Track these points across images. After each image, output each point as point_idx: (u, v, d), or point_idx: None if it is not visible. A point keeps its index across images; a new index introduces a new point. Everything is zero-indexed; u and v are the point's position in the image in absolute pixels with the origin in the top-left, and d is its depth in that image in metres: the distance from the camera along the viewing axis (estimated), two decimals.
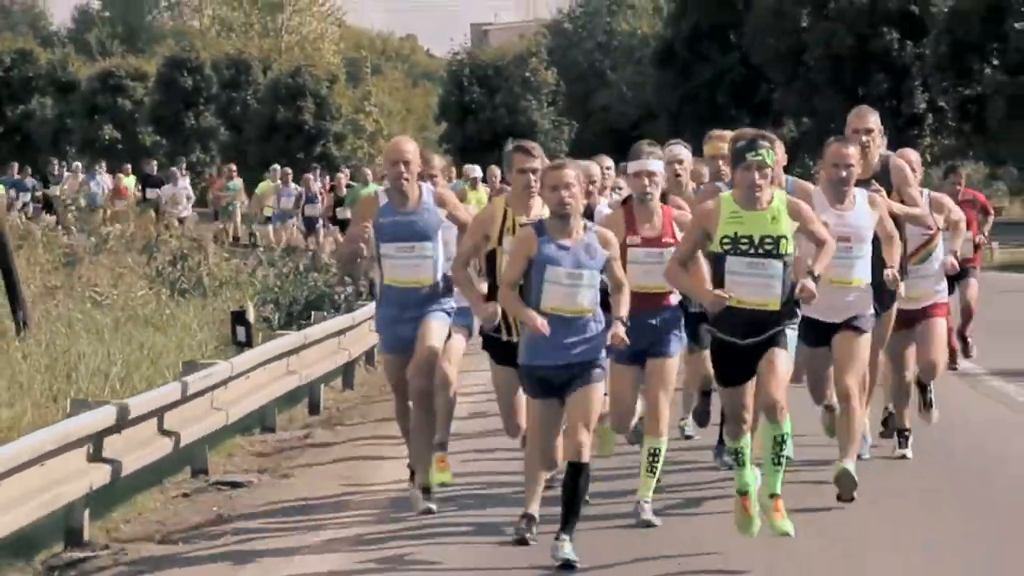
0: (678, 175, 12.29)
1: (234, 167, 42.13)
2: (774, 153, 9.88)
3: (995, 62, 47.00)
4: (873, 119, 12.04)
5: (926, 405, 12.99)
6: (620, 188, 12.80)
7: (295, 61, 64.98)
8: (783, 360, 9.76)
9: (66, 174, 44.64)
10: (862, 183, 11.47)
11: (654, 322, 10.74)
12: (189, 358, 16.21)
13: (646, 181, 10.80)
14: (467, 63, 63.93)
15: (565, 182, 9.79)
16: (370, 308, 18.36)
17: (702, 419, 12.77)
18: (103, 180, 41.71)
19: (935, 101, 51.23)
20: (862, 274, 11.14)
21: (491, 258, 10.65)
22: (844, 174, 11.13)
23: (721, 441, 11.81)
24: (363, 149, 63.02)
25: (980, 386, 17.12)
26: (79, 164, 47.00)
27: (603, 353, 9.90)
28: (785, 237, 9.68)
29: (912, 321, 12.63)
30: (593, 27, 66.62)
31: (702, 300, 9.94)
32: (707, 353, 10.97)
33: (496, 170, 24.41)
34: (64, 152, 62.38)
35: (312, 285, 24.76)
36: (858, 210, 11.17)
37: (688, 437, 13.58)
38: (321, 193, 36.23)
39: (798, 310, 9.84)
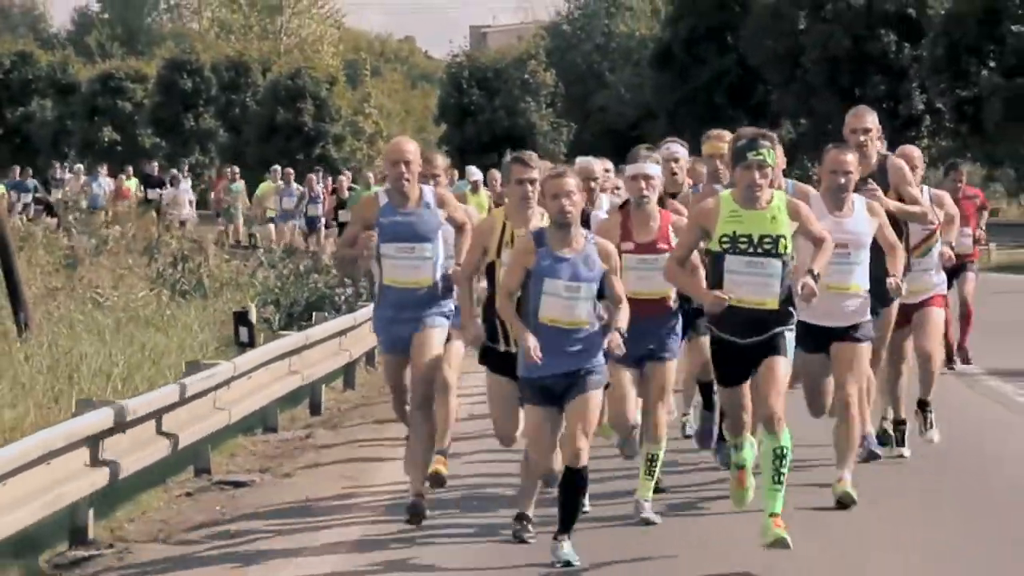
0: (674, 173, 12.35)
1: (237, 169, 42.17)
2: (774, 153, 9.89)
3: (992, 64, 47.06)
4: (871, 119, 12.07)
5: (927, 425, 12.89)
6: (619, 189, 12.84)
7: (294, 63, 64.96)
8: (782, 369, 9.76)
9: (68, 175, 44.73)
10: (859, 181, 11.48)
11: (652, 327, 10.73)
12: (190, 359, 16.28)
13: (643, 184, 10.79)
14: (466, 65, 63.97)
15: (566, 190, 9.76)
16: (371, 309, 18.40)
17: (703, 439, 12.64)
18: (104, 182, 41.78)
19: (932, 103, 51.29)
20: (860, 280, 11.11)
21: (490, 271, 10.64)
22: (843, 181, 11.10)
23: (722, 438, 11.87)
24: (362, 151, 63.05)
25: (977, 386, 17.17)
26: (80, 167, 47.07)
27: (601, 359, 9.90)
28: (784, 236, 9.69)
29: (911, 315, 12.64)
30: (591, 29, 66.65)
31: (702, 301, 9.97)
32: (705, 340, 11.05)
33: (497, 174, 24.47)
34: (64, 154, 62.48)
35: (312, 286, 24.84)
36: (857, 217, 11.14)
37: (688, 436, 13.62)
38: (323, 194, 36.26)
39: (793, 310, 9.83)
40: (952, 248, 13.51)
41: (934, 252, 12.92)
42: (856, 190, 11.38)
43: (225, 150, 63.26)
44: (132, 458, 11.60)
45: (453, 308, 11.02)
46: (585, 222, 10.62)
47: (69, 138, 66.64)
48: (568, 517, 9.84)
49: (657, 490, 11.14)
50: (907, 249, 12.11)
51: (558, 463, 9.96)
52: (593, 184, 11.64)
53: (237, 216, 39.70)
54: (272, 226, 37.38)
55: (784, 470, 9.68)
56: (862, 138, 11.93)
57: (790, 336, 9.83)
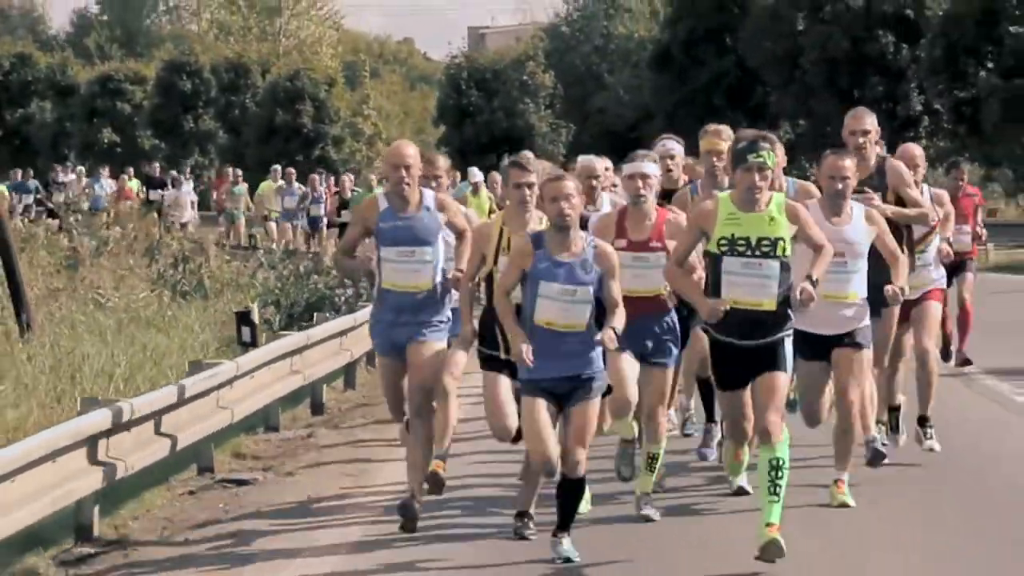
0: (669, 170, 12.39)
1: (240, 172, 42.20)
2: (774, 155, 9.90)
3: (990, 65, 47.14)
4: (870, 120, 12.05)
5: (926, 436, 12.89)
6: (615, 186, 12.85)
7: (293, 65, 65.04)
8: (781, 385, 9.77)
9: (70, 176, 44.76)
10: (860, 184, 11.48)
11: (648, 325, 10.76)
12: (191, 359, 16.36)
13: (639, 183, 10.80)
14: (465, 66, 64.03)
15: (565, 193, 9.76)
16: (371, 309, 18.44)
17: (704, 453, 12.64)
18: (106, 183, 41.83)
19: (931, 104, 51.36)
20: (857, 289, 11.03)
21: (488, 280, 10.64)
22: (840, 186, 11.02)
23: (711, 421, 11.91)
24: (361, 152, 63.14)
25: (975, 385, 17.24)
26: (83, 169, 47.12)
27: (601, 364, 9.91)
28: (782, 239, 9.69)
29: (910, 311, 12.62)
30: (590, 31, 66.72)
31: (699, 308, 9.99)
32: (701, 331, 11.10)
33: (498, 176, 24.55)
34: (63, 156, 62.57)
35: (312, 287, 24.92)
36: (855, 225, 11.06)
37: (688, 435, 13.67)
38: (326, 195, 36.30)
39: (791, 312, 9.82)
40: (950, 244, 13.54)
41: (932, 248, 12.92)
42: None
43: (224, 151, 63.33)
44: (136, 456, 11.70)
45: (451, 314, 10.92)
46: (583, 224, 10.58)
47: (68, 140, 66.76)
48: (566, 517, 9.93)
49: (656, 489, 11.20)
50: (911, 249, 12.07)
51: (556, 453, 9.91)
52: (595, 183, 11.66)
53: (239, 218, 39.74)
54: (274, 225, 37.48)
55: (781, 482, 9.66)
56: (861, 140, 11.91)
57: (789, 344, 9.82)
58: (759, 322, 9.72)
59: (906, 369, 13.11)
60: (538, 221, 10.50)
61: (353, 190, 34.00)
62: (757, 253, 9.66)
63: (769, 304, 9.69)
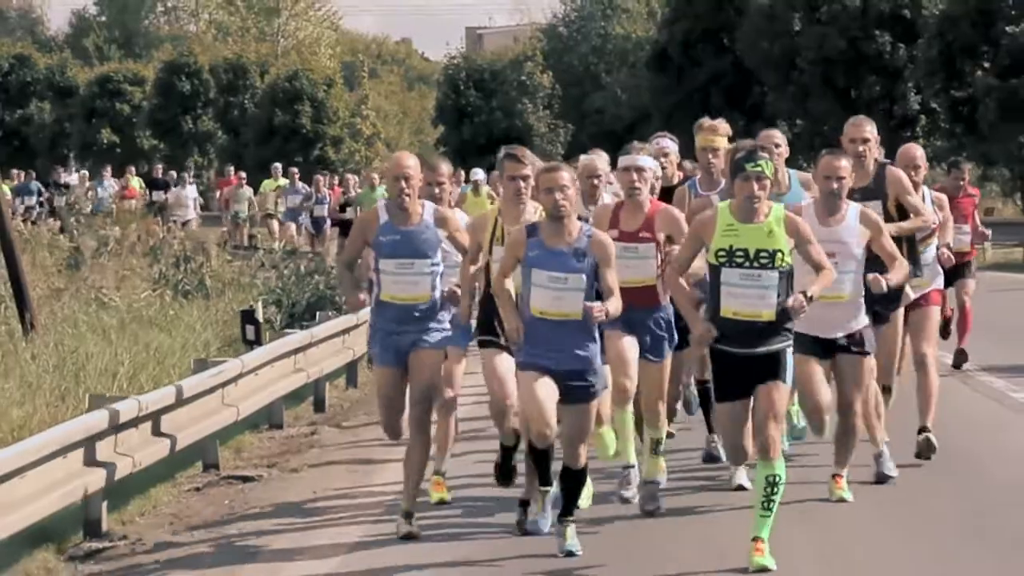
0: (664, 167, 12.48)
1: (244, 174, 42.26)
2: (772, 164, 9.82)
3: (986, 65, 47.24)
4: (870, 128, 12.00)
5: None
6: (610, 184, 12.91)
7: (292, 65, 65.09)
8: (781, 396, 9.76)
9: (73, 176, 44.77)
10: (858, 191, 11.47)
11: (642, 318, 10.82)
12: (194, 358, 16.45)
13: (634, 176, 10.85)
14: (463, 67, 64.10)
15: (560, 184, 9.79)
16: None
17: (708, 458, 12.64)
18: (109, 184, 41.86)
19: (928, 103, 51.46)
20: (851, 289, 10.97)
21: (486, 272, 10.71)
22: (836, 186, 11.00)
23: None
24: (360, 152, 63.23)
25: (971, 381, 17.31)
26: (86, 172, 47.15)
27: (599, 364, 9.97)
28: (781, 251, 9.65)
29: (908, 314, 12.60)
30: (588, 31, 66.79)
31: (691, 326, 10.03)
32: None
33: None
34: (63, 156, 62.65)
35: (314, 287, 24.99)
36: (848, 226, 11.02)
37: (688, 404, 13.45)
38: (330, 196, 36.33)
39: (790, 324, 9.80)
40: (950, 249, 13.53)
41: (931, 249, 12.93)
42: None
43: (223, 152, 63.39)
44: (144, 452, 11.82)
45: (449, 327, 10.85)
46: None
47: (67, 140, 66.85)
48: (569, 503, 10.02)
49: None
50: (913, 251, 12.04)
51: (554, 429, 9.91)
52: (596, 182, 11.67)
53: (244, 220, 39.81)
54: (276, 224, 37.53)
55: (775, 497, 9.67)
56: (860, 148, 11.86)
57: (790, 354, 9.81)
58: (759, 332, 9.69)
59: (905, 370, 13.18)
60: (533, 212, 10.59)
61: (356, 190, 34.11)
62: (755, 264, 9.64)
63: (768, 315, 9.66)
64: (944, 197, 13.80)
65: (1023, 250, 40.16)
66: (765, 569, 9.55)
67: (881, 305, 11.72)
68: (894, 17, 52.08)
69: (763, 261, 9.63)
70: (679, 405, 13.10)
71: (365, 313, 19.19)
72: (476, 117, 62.02)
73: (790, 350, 9.81)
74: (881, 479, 12.04)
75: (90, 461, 10.96)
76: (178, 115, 64.79)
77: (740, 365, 9.74)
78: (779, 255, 9.65)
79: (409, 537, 10.64)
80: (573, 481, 10.03)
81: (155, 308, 23.94)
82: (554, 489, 10.14)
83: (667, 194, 11.93)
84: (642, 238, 10.81)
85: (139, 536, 11.32)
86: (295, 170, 39.12)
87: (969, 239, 17.68)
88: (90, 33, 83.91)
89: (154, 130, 65.39)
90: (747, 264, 9.63)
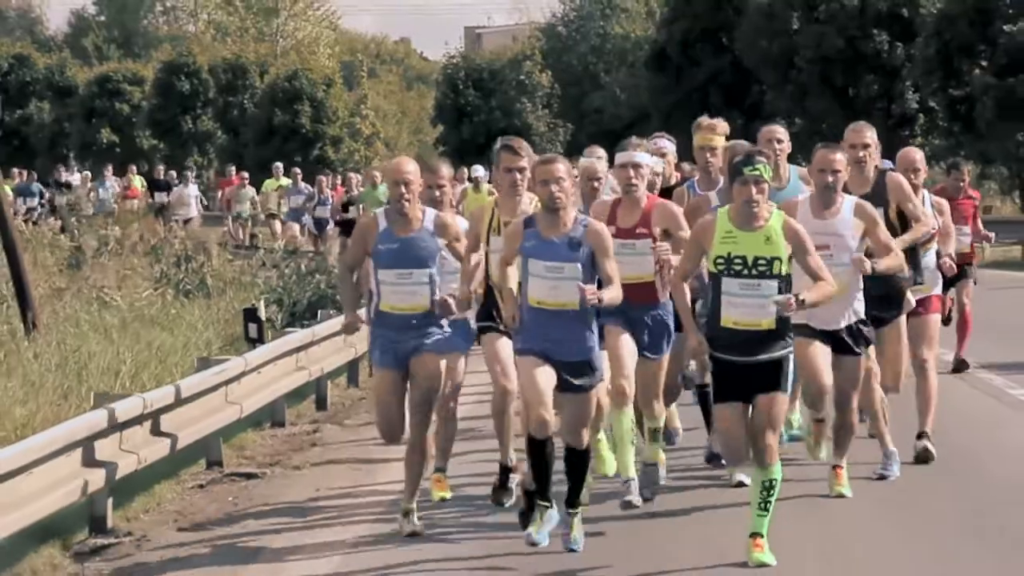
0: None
1: (247, 174, 42.30)
2: (770, 168, 9.80)
3: (983, 64, 47.30)
4: (870, 134, 11.99)
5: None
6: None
7: (291, 65, 65.12)
8: (780, 405, 9.80)
9: (75, 176, 44.80)
10: (860, 198, 11.39)
11: (642, 316, 10.85)
12: (197, 356, 16.53)
13: (631, 172, 10.86)
14: (462, 66, 64.14)
15: (555, 176, 9.82)
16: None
17: (711, 457, 12.63)
18: (110, 184, 41.92)
19: (925, 102, 51.51)
20: (846, 280, 10.89)
21: (487, 263, 10.78)
22: (831, 179, 11.02)
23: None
24: (360, 152, 63.28)
25: (969, 378, 17.39)
26: (88, 173, 47.18)
27: (598, 355, 10.04)
28: (779, 259, 9.64)
29: (908, 318, 12.54)
30: (587, 31, 66.83)
31: (687, 335, 10.06)
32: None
33: None
34: (62, 156, 62.69)
35: (315, 286, 25.06)
36: (842, 218, 11.04)
37: (687, 382, 13.19)
38: (332, 197, 36.40)
39: (790, 333, 9.81)
40: (952, 259, 13.48)
41: (931, 254, 12.93)
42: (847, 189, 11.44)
43: (223, 152, 63.44)
44: (149, 450, 11.90)
45: (449, 331, 10.87)
46: None
47: (67, 140, 66.88)
48: (575, 488, 10.09)
49: (653, 488, 11.31)
50: (914, 256, 12.04)
51: (551, 416, 9.93)
52: (596, 184, 11.67)
53: (247, 220, 39.87)
54: (278, 224, 37.58)
55: (771, 499, 9.71)
56: (861, 153, 11.85)
57: (790, 363, 9.82)
58: (759, 340, 9.69)
59: (907, 375, 13.24)
60: (529, 203, 10.66)
61: (359, 189, 34.17)
62: (754, 273, 9.62)
63: (768, 323, 9.66)
64: (944, 202, 13.71)
65: (1022, 248, 40.22)
66: (765, 565, 9.61)
67: (882, 310, 11.77)
68: (892, 16, 52.12)
69: (761, 269, 9.62)
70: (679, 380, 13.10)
71: (365, 312, 19.31)
72: (475, 116, 62.04)
73: (790, 358, 9.83)
74: (882, 477, 12.14)
75: (95, 458, 11.04)
76: (177, 115, 64.83)
77: (741, 373, 9.75)
78: (777, 263, 9.63)
79: (413, 535, 10.70)
80: (578, 461, 10.07)
81: (156, 307, 24.03)
82: (554, 511, 10.05)
83: (666, 195, 11.94)
84: (639, 234, 10.83)
85: (144, 533, 11.41)
86: (298, 171, 39.14)
87: (969, 240, 17.62)
88: (89, 33, 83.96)
89: (153, 130, 65.44)
90: (746, 273, 9.62)
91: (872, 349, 11.78)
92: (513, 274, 10.12)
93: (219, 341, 21.64)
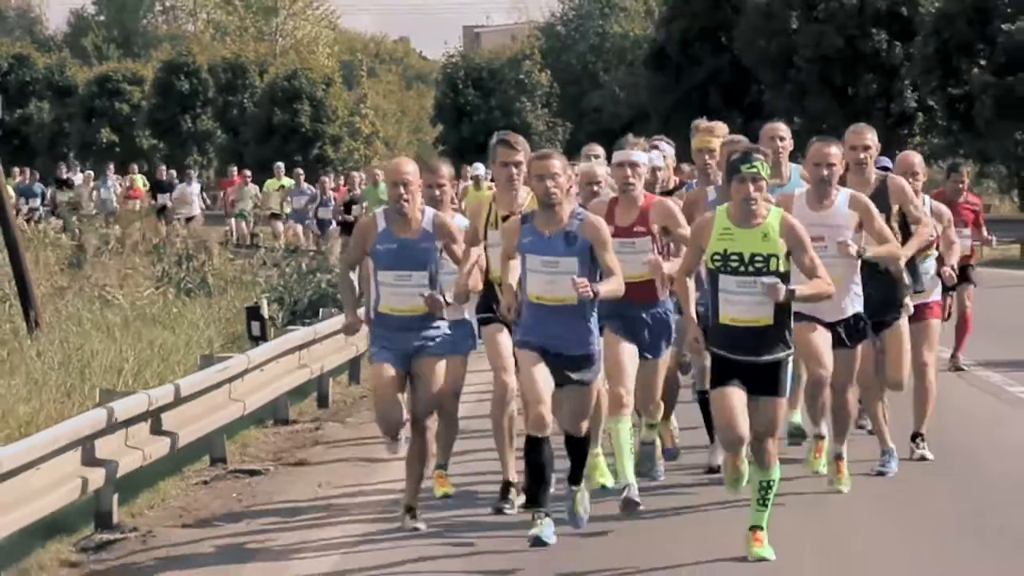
0: (660, 169, 12.57)
1: (248, 172, 42.34)
2: (767, 165, 9.77)
3: (982, 63, 47.35)
4: (870, 136, 12.00)
5: (919, 448, 12.90)
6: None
7: (290, 64, 65.16)
8: (779, 410, 9.83)
9: (78, 176, 44.83)
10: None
11: (642, 315, 10.86)
12: (200, 354, 16.60)
13: (628, 171, 10.87)
14: (461, 65, 64.18)
15: (551, 172, 9.87)
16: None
17: (709, 471, 12.64)
18: (112, 183, 41.96)
19: (924, 101, 51.56)
20: (841, 272, 10.92)
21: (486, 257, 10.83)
22: (826, 173, 11.04)
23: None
24: (359, 151, 63.33)
25: (968, 376, 17.45)
26: (91, 172, 47.25)
27: (594, 349, 10.07)
28: (776, 256, 9.62)
29: (909, 322, 12.51)
30: (586, 30, 66.85)
31: (686, 329, 10.06)
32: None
33: None
34: (62, 156, 62.70)
35: (316, 285, 25.14)
36: (838, 209, 11.08)
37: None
38: (335, 197, 36.46)
39: (790, 334, 9.82)
40: (954, 270, 13.44)
41: (930, 259, 12.94)
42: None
43: (223, 151, 63.48)
44: (153, 446, 11.98)
45: (449, 332, 10.88)
46: None
47: (67, 140, 66.92)
48: (577, 468, 10.20)
49: (652, 490, 11.37)
50: (912, 263, 12.04)
51: (549, 411, 9.97)
52: (596, 188, 11.56)
53: (249, 219, 39.92)
54: (280, 224, 37.64)
55: (770, 497, 9.75)
56: (862, 155, 11.85)
57: (790, 366, 9.83)
58: (756, 338, 9.69)
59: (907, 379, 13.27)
60: (525, 197, 10.72)
61: (361, 187, 34.24)
62: (751, 270, 9.60)
63: (767, 320, 9.66)
64: (946, 210, 13.65)
65: (1021, 247, 40.25)
66: (764, 559, 9.66)
67: (882, 314, 11.80)
68: (891, 15, 52.16)
69: (758, 266, 9.60)
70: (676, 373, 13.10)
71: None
72: (474, 116, 62.07)
73: (790, 361, 9.84)
74: (881, 474, 12.20)
75: (100, 455, 11.11)
76: (177, 114, 64.86)
77: (740, 370, 9.74)
78: (774, 259, 9.62)
79: (416, 532, 10.75)
80: (577, 448, 10.20)
81: (158, 306, 24.11)
82: (549, 520, 10.08)
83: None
84: (637, 232, 10.85)
85: (149, 528, 11.47)
86: (301, 171, 39.17)
87: (968, 241, 17.53)
88: (89, 32, 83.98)
89: (153, 129, 65.48)
90: (742, 269, 9.62)
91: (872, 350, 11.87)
92: (516, 267, 10.17)
93: (220, 339, 21.73)
